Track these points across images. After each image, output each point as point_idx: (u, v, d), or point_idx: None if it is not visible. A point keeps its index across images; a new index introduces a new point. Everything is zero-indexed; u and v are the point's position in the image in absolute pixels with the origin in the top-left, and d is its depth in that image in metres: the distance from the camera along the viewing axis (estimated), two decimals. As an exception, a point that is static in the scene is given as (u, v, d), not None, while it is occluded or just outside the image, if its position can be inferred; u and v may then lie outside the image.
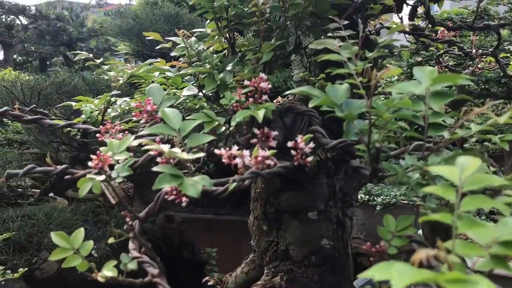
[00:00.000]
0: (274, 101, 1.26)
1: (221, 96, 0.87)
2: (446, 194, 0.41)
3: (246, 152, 0.61)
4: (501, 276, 2.92)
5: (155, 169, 0.56)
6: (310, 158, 0.88)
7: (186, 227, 2.54)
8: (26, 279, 2.06)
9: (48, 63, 7.18)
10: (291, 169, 1.02)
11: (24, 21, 5.59)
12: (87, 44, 6.10)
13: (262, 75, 0.73)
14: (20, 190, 2.28)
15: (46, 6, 7.58)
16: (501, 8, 3.54)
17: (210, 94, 0.96)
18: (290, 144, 0.66)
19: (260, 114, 0.68)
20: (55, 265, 2.09)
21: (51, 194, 2.80)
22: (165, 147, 0.58)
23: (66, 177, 0.70)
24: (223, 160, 0.62)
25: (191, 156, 0.59)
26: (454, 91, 2.31)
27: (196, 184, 0.55)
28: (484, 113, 0.69)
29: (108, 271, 0.59)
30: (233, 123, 0.72)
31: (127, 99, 1.21)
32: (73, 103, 1.20)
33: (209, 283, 1.33)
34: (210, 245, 2.99)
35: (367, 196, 1.96)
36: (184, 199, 0.59)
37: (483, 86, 2.22)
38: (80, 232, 0.61)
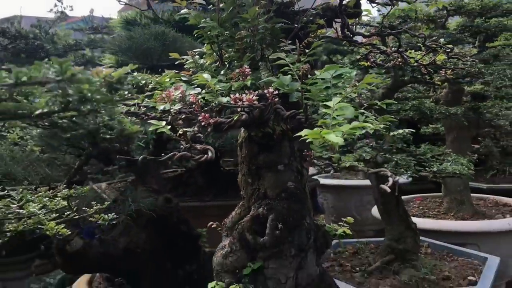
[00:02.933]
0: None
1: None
2: (326, 110, 1.00)
3: (244, 96, 1.19)
4: (431, 230, 3.59)
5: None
6: (277, 128, 1.49)
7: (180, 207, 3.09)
8: (59, 251, 2.59)
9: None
10: (265, 136, 1.62)
11: (3, 42, 6.01)
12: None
13: (246, 66, 1.32)
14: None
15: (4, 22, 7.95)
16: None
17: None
18: (266, 91, 1.24)
19: (248, 83, 1.27)
20: (80, 241, 2.62)
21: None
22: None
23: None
24: (231, 102, 1.19)
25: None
26: (389, 80, 2.95)
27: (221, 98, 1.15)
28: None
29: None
30: (233, 88, 1.31)
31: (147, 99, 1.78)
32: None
33: (212, 226, 1.90)
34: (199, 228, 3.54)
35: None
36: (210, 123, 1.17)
37: (411, 75, 2.85)
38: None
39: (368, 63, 2.34)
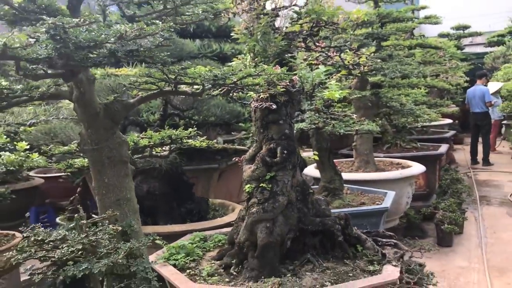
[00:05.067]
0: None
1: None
2: (329, 85, 2.46)
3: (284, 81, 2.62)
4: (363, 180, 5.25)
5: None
6: (282, 98, 3.01)
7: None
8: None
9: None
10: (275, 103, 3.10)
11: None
12: None
13: (277, 66, 2.74)
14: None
15: None
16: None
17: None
18: (293, 78, 2.67)
19: (278, 71, 2.68)
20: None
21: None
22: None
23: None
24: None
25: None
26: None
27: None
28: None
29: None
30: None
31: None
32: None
33: (236, 160, 3.30)
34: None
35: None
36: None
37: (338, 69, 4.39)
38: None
39: (315, 61, 3.84)
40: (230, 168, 5.52)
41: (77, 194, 6.56)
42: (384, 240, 3.30)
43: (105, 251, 1.74)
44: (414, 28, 8.48)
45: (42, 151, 3.70)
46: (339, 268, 3.01)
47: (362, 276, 2.89)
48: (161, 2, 1.74)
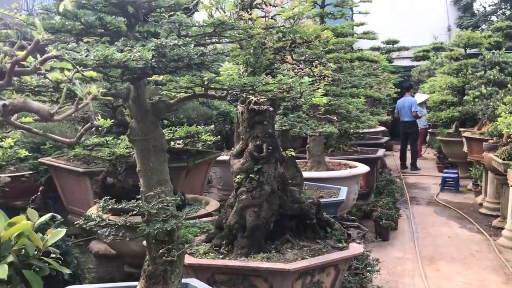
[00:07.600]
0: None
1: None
2: (316, 94, 3.10)
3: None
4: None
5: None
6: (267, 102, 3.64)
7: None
8: (100, 184, 4.23)
9: None
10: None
11: None
12: None
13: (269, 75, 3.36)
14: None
15: None
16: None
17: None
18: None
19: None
20: (111, 179, 4.29)
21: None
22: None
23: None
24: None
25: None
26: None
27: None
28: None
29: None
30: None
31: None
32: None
33: (227, 154, 3.86)
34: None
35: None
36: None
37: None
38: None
39: (292, 72, 4.49)
40: (195, 167, 6.02)
41: (39, 193, 6.81)
42: (348, 223, 3.99)
43: (161, 217, 2.24)
44: (354, 43, 9.39)
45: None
46: (313, 246, 3.65)
47: (334, 252, 3.55)
48: (213, 26, 2.26)
